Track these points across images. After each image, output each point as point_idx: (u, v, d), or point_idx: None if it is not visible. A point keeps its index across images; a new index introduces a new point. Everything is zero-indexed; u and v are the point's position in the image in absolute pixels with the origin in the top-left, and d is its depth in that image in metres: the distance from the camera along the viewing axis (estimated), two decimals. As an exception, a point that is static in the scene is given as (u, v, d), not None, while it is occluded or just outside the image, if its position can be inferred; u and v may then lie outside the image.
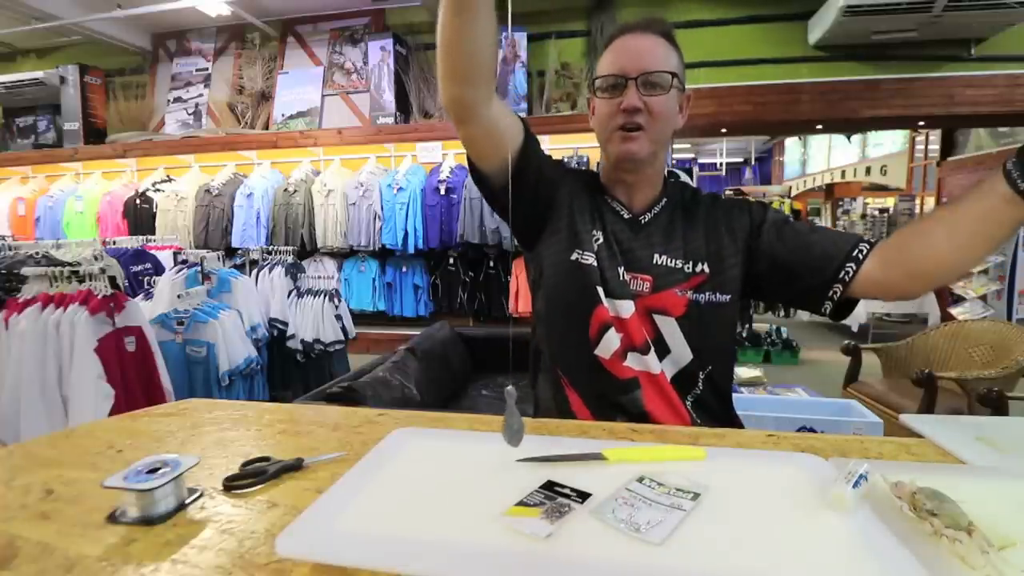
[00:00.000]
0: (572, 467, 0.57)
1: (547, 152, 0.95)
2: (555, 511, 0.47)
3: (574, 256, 0.90)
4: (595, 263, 0.89)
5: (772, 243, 0.89)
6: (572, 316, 0.91)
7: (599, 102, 0.88)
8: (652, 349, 0.87)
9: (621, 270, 0.89)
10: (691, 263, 0.89)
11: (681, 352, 0.88)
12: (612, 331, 0.88)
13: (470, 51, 0.68)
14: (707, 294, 0.88)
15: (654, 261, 0.89)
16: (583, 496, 0.50)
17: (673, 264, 0.89)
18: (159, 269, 2.94)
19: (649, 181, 0.93)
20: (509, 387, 0.46)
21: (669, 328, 0.88)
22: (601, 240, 0.91)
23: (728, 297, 0.89)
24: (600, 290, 0.88)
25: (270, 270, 3.05)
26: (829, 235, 0.87)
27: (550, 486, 0.52)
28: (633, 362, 0.88)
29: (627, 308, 0.88)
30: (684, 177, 4.71)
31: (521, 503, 0.48)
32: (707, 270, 0.88)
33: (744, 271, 0.90)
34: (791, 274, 0.87)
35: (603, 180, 0.97)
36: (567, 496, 0.50)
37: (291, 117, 4.82)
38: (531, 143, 0.86)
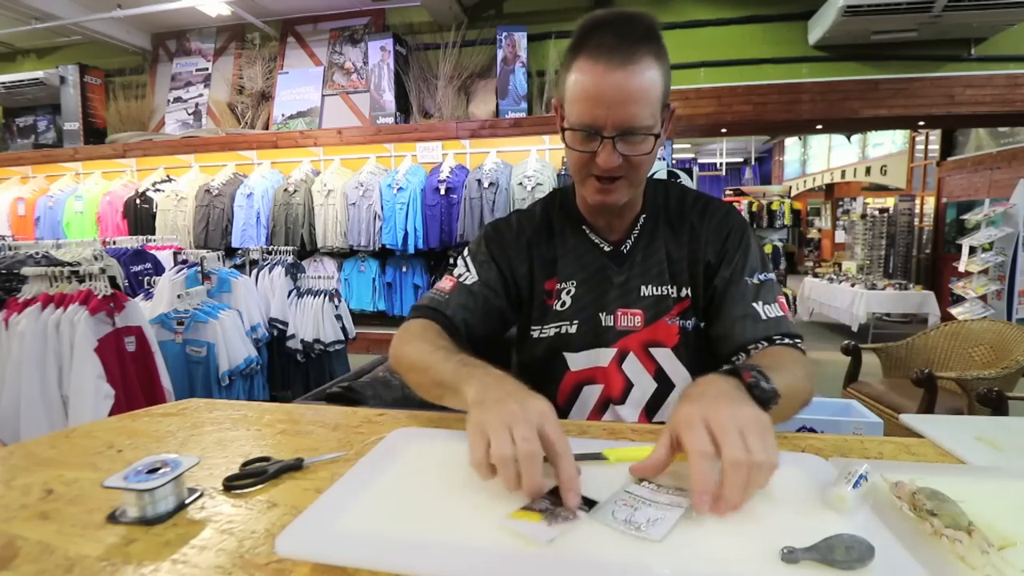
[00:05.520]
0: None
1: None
2: (558, 516, 0.47)
3: (533, 332, 0.89)
4: (555, 332, 0.87)
5: (715, 298, 0.84)
6: (540, 386, 0.91)
7: (569, 139, 0.75)
8: (629, 397, 0.85)
9: (603, 315, 0.85)
10: (675, 288, 0.85)
11: (686, 383, 0.85)
12: (588, 386, 0.87)
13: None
14: (692, 319, 0.85)
15: (642, 294, 0.85)
16: (589, 504, 0.49)
17: (660, 292, 0.85)
18: (159, 269, 2.94)
19: (631, 206, 0.87)
20: None
21: (668, 360, 0.85)
22: (573, 290, 0.86)
23: (704, 324, 0.86)
24: (566, 356, 0.86)
25: (270, 270, 3.05)
26: (748, 317, 0.79)
27: (554, 491, 0.51)
28: (610, 416, 0.86)
29: (606, 354, 0.85)
30: (684, 178, 4.69)
31: (526, 508, 0.48)
32: (690, 295, 0.85)
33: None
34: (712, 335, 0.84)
35: (579, 205, 0.90)
36: None
37: (291, 117, 4.83)
38: (484, 292, 0.87)
